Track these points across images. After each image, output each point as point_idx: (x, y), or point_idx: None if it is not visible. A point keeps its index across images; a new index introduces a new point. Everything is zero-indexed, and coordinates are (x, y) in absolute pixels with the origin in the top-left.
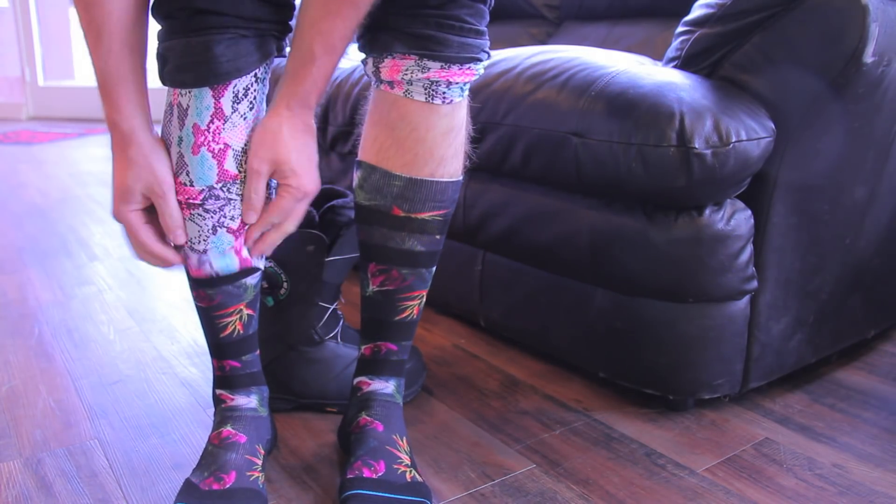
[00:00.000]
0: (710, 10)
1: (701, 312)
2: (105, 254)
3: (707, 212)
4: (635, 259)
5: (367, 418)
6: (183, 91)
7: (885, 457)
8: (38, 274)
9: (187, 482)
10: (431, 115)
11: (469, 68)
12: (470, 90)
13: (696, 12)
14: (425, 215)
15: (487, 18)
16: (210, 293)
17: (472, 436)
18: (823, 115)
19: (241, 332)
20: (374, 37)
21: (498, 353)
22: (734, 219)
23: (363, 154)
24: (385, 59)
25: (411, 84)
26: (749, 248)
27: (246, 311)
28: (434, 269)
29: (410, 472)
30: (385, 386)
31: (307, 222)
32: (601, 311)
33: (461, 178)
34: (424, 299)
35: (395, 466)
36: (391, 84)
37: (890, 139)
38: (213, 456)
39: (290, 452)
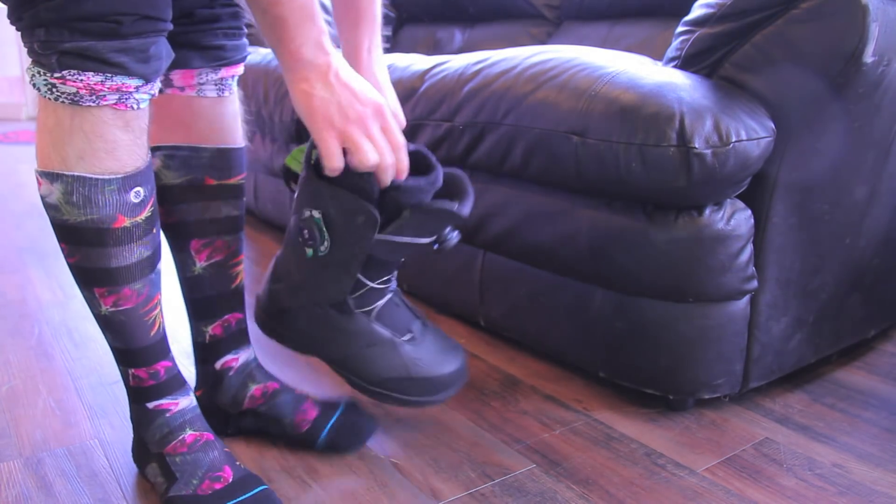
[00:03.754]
0: (710, 10)
1: (701, 312)
2: None
3: (707, 212)
4: (635, 259)
5: (260, 387)
6: None
7: (885, 457)
8: (38, 274)
9: (178, 499)
10: (223, 105)
11: (242, 61)
12: (470, 90)
13: (696, 12)
14: (236, 179)
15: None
16: (137, 288)
17: (472, 436)
18: (823, 115)
19: (163, 324)
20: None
21: (498, 353)
22: (734, 219)
23: (155, 141)
24: (175, 70)
25: (203, 85)
26: (749, 248)
27: (160, 299)
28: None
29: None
30: (250, 352)
31: (365, 193)
32: (601, 311)
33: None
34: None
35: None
36: (182, 88)
37: (890, 139)
38: (193, 463)
39: (290, 452)
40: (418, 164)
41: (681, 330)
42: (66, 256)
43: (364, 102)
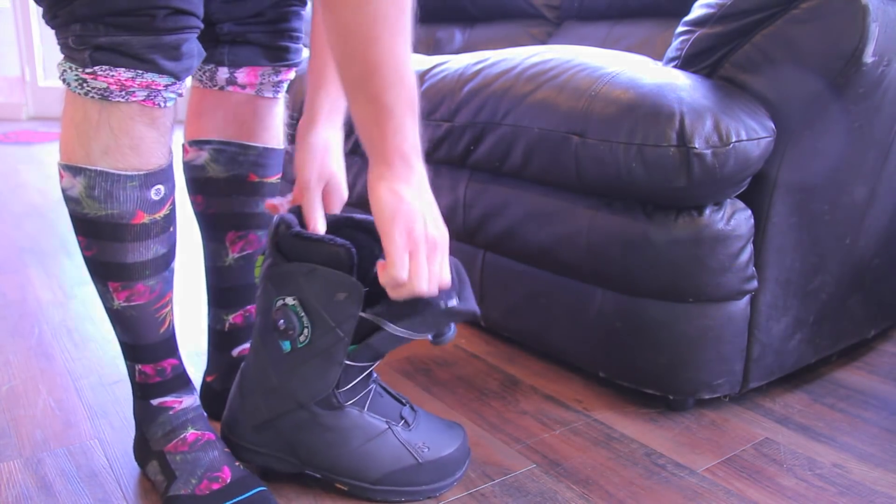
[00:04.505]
0: (710, 10)
1: (701, 312)
2: None
3: (707, 212)
4: (635, 259)
5: None
6: None
7: (885, 457)
8: (38, 274)
9: (176, 498)
10: (275, 107)
11: (298, 65)
12: (470, 90)
13: (696, 12)
14: (274, 178)
15: None
16: (151, 284)
17: (472, 436)
18: (823, 115)
19: (173, 322)
20: (235, 51)
21: (498, 353)
22: (734, 219)
23: (207, 135)
24: (242, 68)
25: (263, 85)
26: (749, 248)
27: (172, 298)
28: None
29: None
30: None
31: (341, 262)
32: (601, 311)
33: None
34: None
35: None
36: (244, 86)
37: (890, 139)
38: (192, 462)
39: None
40: None
41: (681, 330)
42: (83, 249)
43: (441, 227)
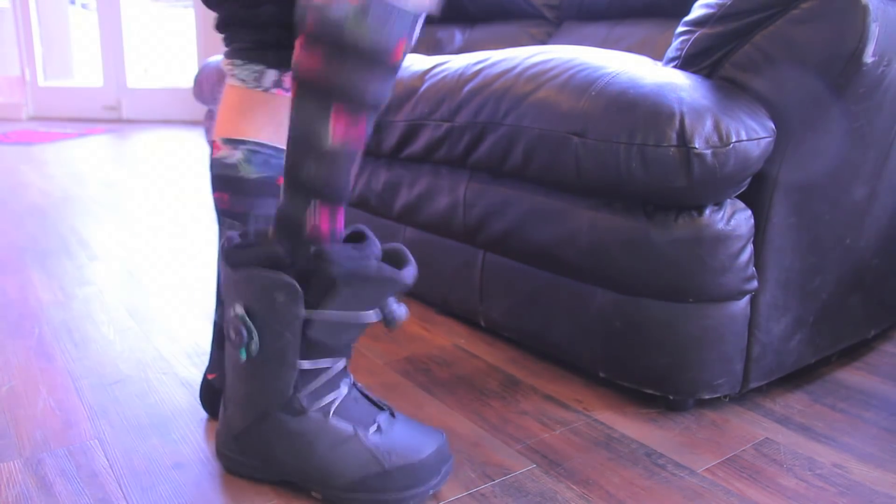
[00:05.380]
0: (710, 10)
1: (701, 312)
2: (105, 254)
3: (707, 212)
4: (635, 259)
5: None
6: None
7: (885, 457)
8: (39, 274)
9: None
10: None
11: None
12: (470, 90)
13: (696, 12)
14: None
15: None
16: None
17: (472, 436)
18: (824, 115)
19: None
20: (283, 55)
21: (498, 353)
22: (734, 219)
23: (244, 135)
24: (289, 73)
25: None
26: (749, 248)
27: None
28: None
29: None
30: None
31: (279, 262)
32: (601, 311)
33: None
34: None
35: None
36: (287, 90)
37: (890, 139)
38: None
39: None
40: (356, 239)
41: (681, 330)
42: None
43: None
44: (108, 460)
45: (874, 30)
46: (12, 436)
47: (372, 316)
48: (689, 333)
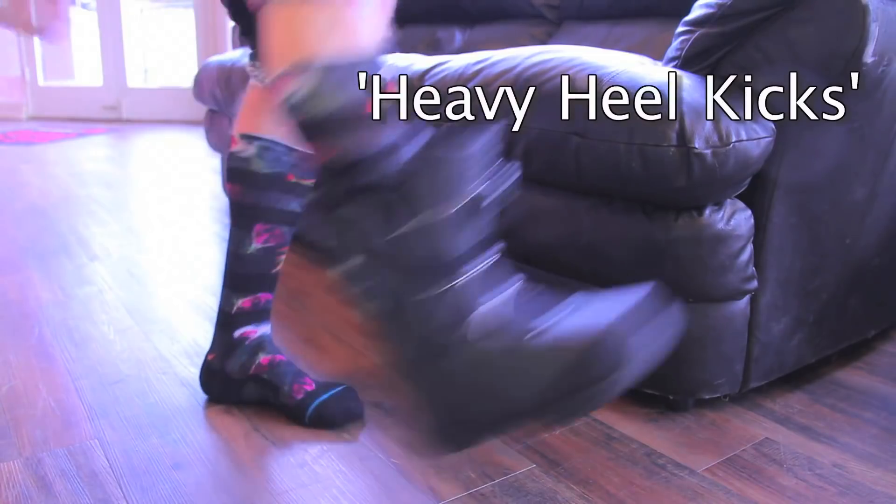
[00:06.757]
0: (710, 10)
1: (701, 312)
2: (105, 254)
3: (707, 212)
4: (635, 259)
5: (268, 356)
6: None
7: (885, 457)
8: (39, 274)
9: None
10: None
11: None
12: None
13: (696, 12)
14: (309, 182)
15: None
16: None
17: None
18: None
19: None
20: None
21: None
22: (734, 219)
23: (259, 131)
24: None
25: None
26: (749, 248)
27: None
28: None
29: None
30: (267, 328)
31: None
32: None
33: None
34: None
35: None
36: None
37: (890, 139)
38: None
39: (291, 455)
40: None
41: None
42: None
43: None
44: (107, 460)
45: (874, 30)
46: (12, 436)
47: (456, 206)
48: (689, 333)
